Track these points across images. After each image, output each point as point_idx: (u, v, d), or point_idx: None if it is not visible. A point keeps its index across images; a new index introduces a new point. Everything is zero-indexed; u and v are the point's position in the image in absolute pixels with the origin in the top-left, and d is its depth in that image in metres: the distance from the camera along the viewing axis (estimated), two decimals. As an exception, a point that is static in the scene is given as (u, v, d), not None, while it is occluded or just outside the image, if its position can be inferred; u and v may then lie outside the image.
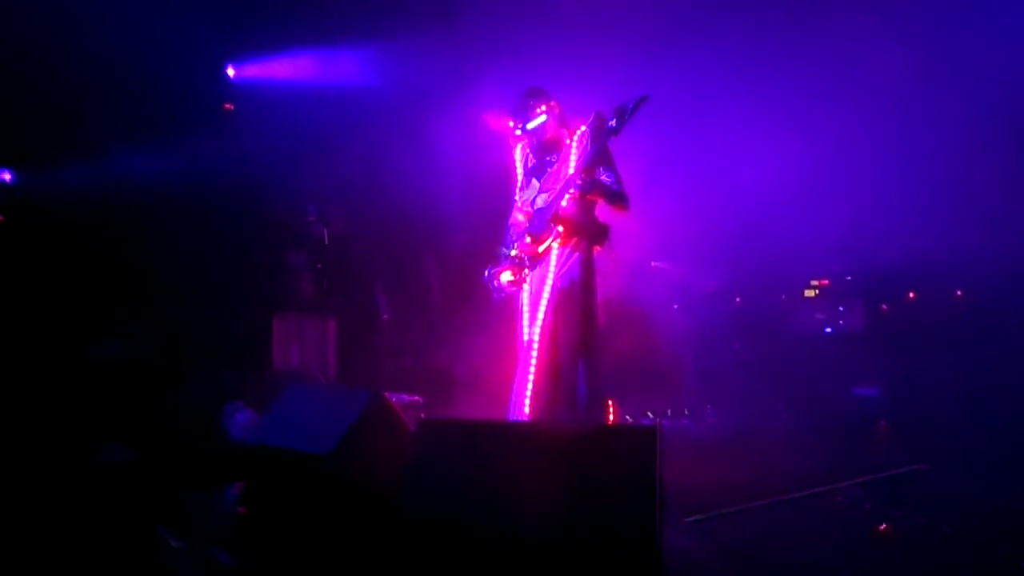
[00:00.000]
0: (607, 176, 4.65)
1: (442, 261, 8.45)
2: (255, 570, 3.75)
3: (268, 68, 8.22)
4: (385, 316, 8.23)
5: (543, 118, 4.71)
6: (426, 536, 3.44)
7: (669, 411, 7.60)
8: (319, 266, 7.98)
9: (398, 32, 7.94)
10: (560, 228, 4.60)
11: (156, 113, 7.07)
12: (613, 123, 4.26)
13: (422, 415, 6.42)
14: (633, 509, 3.20)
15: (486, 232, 5.75)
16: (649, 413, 7.43)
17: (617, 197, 4.66)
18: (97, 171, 6.94)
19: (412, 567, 3.38)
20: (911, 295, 7.72)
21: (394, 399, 6.30)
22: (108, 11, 6.59)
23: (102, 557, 3.74)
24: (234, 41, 7.78)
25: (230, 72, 8.15)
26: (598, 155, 4.54)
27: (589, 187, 4.53)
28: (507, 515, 3.36)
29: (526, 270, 4.75)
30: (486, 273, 4.91)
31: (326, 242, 8.07)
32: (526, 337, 4.69)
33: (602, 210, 4.72)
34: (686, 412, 7.68)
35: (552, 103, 4.75)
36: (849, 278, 7.96)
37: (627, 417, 7.20)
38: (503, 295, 4.85)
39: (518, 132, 4.79)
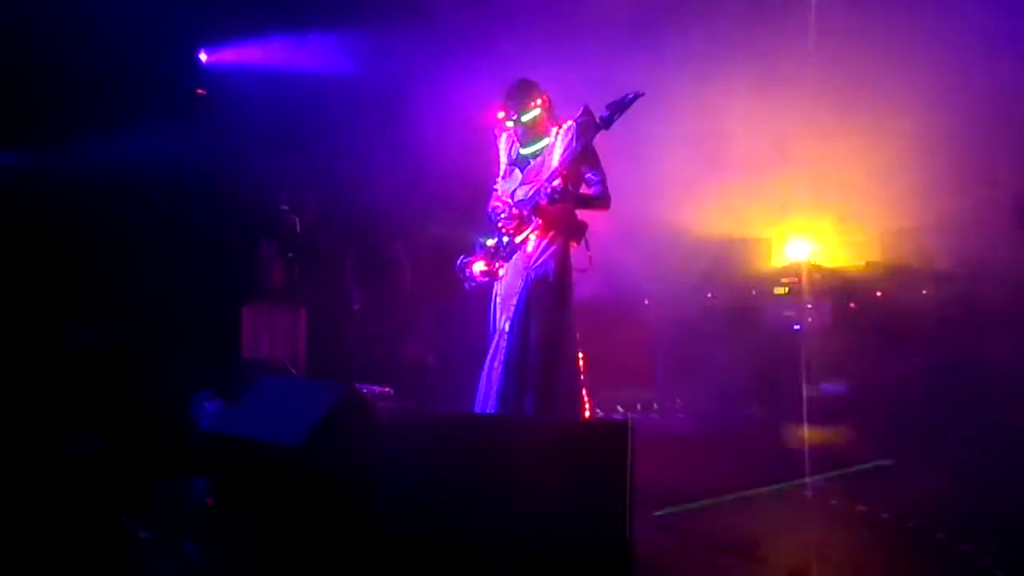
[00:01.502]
0: (592, 174, 4.67)
1: (414, 251, 8.43)
2: (223, 561, 3.73)
3: (241, 53, 8.13)
4: (356, 306, 8.18)
5: (537, 111, 4.72)
6: (396, 530, 3.44)
7: (638, 405, 7.64)
8: (290, 255, 7.93)
9: (373, 19, 7.88)
10: (539, 220, 4.60)
11: (125, 98, 6.96)
12: (606, 114, 4.28)
13: (392, 406, 6.42)
14: (604, 503, 3.22)
15: (460, 222, 5.74)
16: (619, 407, 7.47)
17: (598, 200, 4.69)
18: (65, 157, 6.82)
19: (382, 561, 3.37)
20: (878, 294, 7.80)
21: (364, 390, 6.30)
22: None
23: (69, 547, 3.70)
24: (207, 25, 7.68)
25: (202, 57, 8.05)
26: (584, 151, 4.55)
27: (561, 196, 4.54)
28: (478, 509, 3.37)
29: (499, 262, 4.75)
30: (458, 262, 4.91)
31: (298, 231, 8.01)
32: (497, 329, 4.69)
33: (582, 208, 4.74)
34: (655, 406, 7.73)
35: (544, 96, 4.75)
36: (818, 276, 8.03)
37: (597, 411, 7.24)
38: (475, 285, 4.85)
39: (510, 123, 4.78)
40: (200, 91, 7.89)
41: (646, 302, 8.34)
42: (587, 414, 4.72)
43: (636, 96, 4.26)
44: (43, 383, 5.84)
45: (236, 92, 7.79)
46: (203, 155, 7.03)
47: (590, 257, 4.81)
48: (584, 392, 4.71)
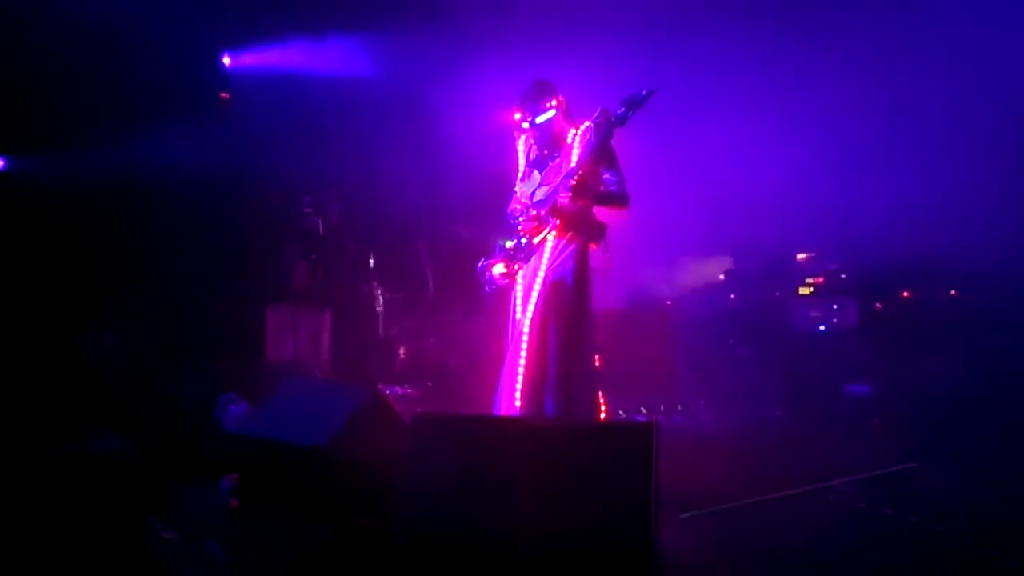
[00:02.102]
0: (609, 175, 4.65)
1: (437, 253, 8.44)
2: (248, 563, 3.74)
3: (264, 57, 8.18)
4: (379, 308, 8.21)
5: (552, 112, 4.69)
6: (420, 531, 3.43)
7: (662, 407, 7.61)
8: (314, 257, 7.96)
9: (394, 22, 7.91)
10: (557, 221, 4.59)
11: (151, 103, 7.03)
12: (621, 111, 4.26)
13: (416, 408, 6.42)
14: (629, 505, 3.20)
15: (481, 224, 5.75)
16: (642, 408, 7.44)
17: (616, 199, 4.67)
18: (92, 159, 6.89)
19: (406, 563, 3.37)
20: (905, 294, 7.73)
21: (388, 391, 6.31)
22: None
23: (94, 548, 3.73)
24: (231, 30, 7.74)
25: (226, 61, 8.10)
26: (601, 151, 4.54)
27: (577, 195, 4.53)
28: (502, 510, 3.36)
29: (518, 264, 4.75)
30: (479, 264, 4.91)
31: (321, 233, 8.05)
32: (517, 329, 4.69)
33: (600, 208, 4.72)
34: (679, 408, 7.69)
35: (560, 97, 4.73)
36: (844, 276, 7.97)
37: (620, 412, 7.23)
38: (495, 287, 4.84)
39: (526, 125, 4.77)
40: (224, 95, 7.94)
41: (669, 303, 8.31)
42: (603, 415, 4.71)
43: (650, 92, 4.22)
44: (69, 385, 5.90)
45: (260, 96, 7.84)
46: (227, 158, 7.08)
47: (610, 258, 4.79)
48: (600, 393, 4.70)
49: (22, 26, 6.39)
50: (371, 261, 8.29)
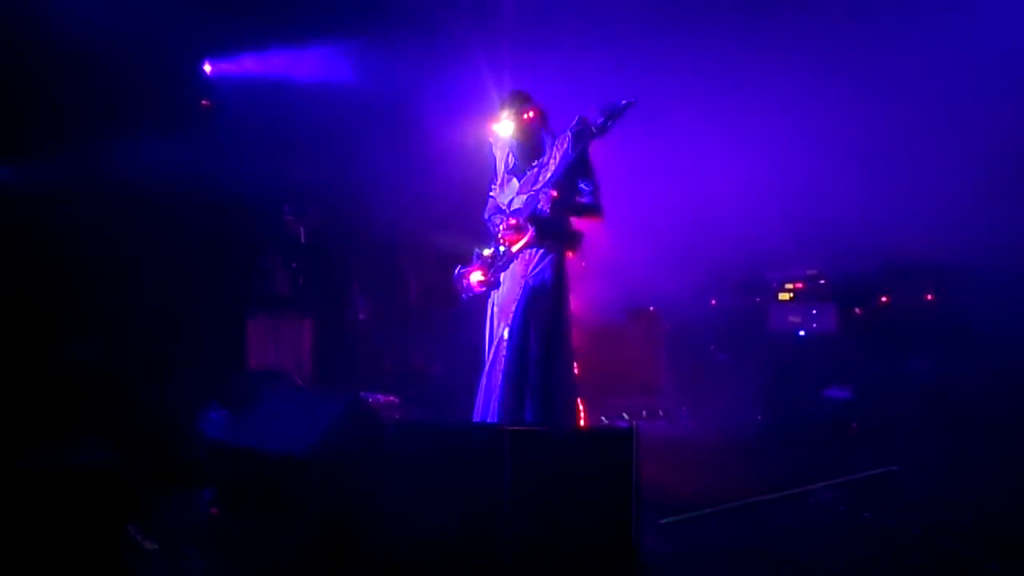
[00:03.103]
0: (585, 185, 4.69)
1: (419, 261, 8.44)
2: (228, 572, 3.73)
3: (245, 64, 8.16)
4: (361, 316, 8.19)
5: (531, 122, 4.74)
6: (401, 539, 3.44)
7: (644, 412, 7.64)
8: (295, 265, 7.93)
9: (376, 30, 7.92)
10: (535, 229, 4.62)
11: (130, 109, 6.99)
12: (600, 121, 4.30)
13: (398, 415, 6.42)
14: (609, 511, 3.23)
15: (463, 232, 5.76)
16: (624, 414, 7.47)
17: (589, 209, 4.71)
18: (70, 166, 6.85)
19: (387, 571, 3.38)
20: (884, 299, 7.80)
21: (370, 399, 6.30)
22: (83, 4, 6.52)
23: (73, 557, 3.71)
24: (211, 37, 7.71)
25: (207, 68, 8.08)
26: (578, 160, 4.58)
27: (559, 201, 4.57)
28: (483, 517, 3.37)
29: (496, 271, 4.77)
30: (455, 272, 4.94)
31: (302, 241, 8.03)
32: (496, 337, 4.71)
33: (575, 218, 4.76)
34: (661, 413, 7.72)
35: (538, 107, 4.78)
36: (823, 281, 8.03)
37: (602, 418, 7.25)
38: (471, 295, 4.87)
39: (505, 134, 4.81)
40: (205, 102, 7.91)
41: (651, 309, 8.34)
42: (581, 422, 4.74)
43: (629, 103, 4.26)
44: (48, 392, 5.85)
45: (240, 103, 7.82)
46: (208, 165, 7.04)
47: (584, 265, 4.84)
48: (579, 400, 4.74)
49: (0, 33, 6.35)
50: (353, 269, 8.28)
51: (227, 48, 7.98)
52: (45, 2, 6.43)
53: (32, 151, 6.85)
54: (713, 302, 8.48)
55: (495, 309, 4.76)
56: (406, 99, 7.93)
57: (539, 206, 4.58)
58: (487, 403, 4.61)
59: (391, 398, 6.76)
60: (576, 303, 4.80)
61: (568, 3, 7.82)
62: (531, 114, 4.75)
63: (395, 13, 7.80)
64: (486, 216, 4.98)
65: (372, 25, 7.88)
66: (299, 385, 6.85)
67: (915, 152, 7.38)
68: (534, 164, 4.79)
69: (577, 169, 4.62)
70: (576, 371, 4.77)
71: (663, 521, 4.26)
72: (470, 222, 5.41)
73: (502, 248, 4.73)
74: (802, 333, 7.90)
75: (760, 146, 7.83)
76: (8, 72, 6.44)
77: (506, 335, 4.59)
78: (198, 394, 5.88)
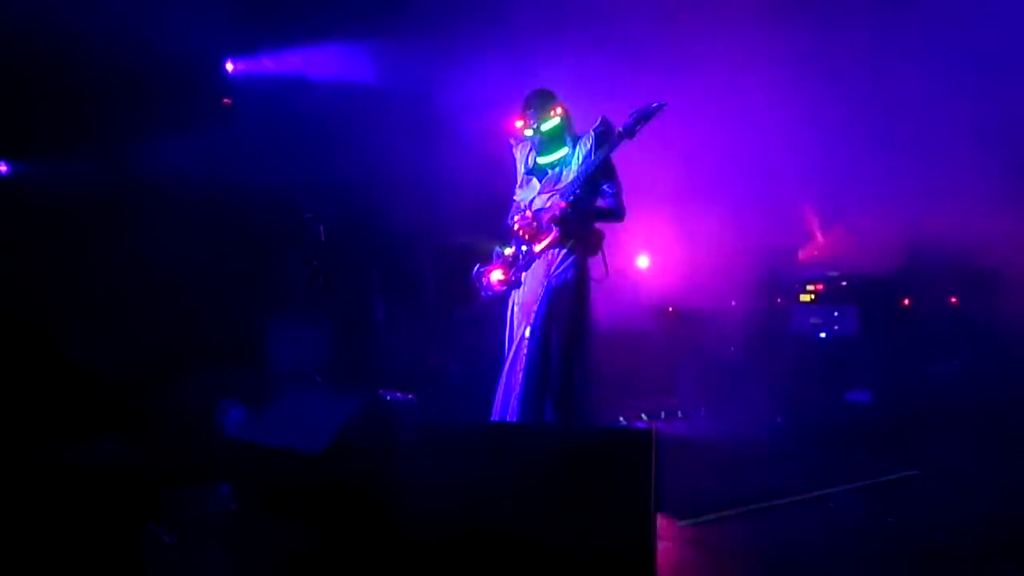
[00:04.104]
0: (607, 186, 4.67)
1: (438, 260, 8.44)
2: (247, 568, 3.74)
3: (267, 63, 8.19)
4: (380, 315, 8.21)
5: (556, 121, 4.73)
6: (418, 537, 3.44)
7: (663, 413, 7.61)
8: (315, 264, 7.95)
9: (397, 30, 7.93)
10: (558, 229, 4.61)
11: (152, 107, 7.03)
12: (628, 123, 4.30)
13: (416, 414, 6.42)
14: (627, 511, 3.21)
15: (482, 230, 5.75)
16: (643, 415, 7.45)
17: (611, 212, 4.69)
18: (93, 165, 6.91)
19: (403, 569, 3.38)
20: (905, 301, 7.73)
21: (388, 398, 6.31)
22: (106, 4, 6.57)
23: (94, 553, 3.73)
24: (233, 36, 7.75)
25: (228, 67, 8.12)
26: (602, 162, 4.56)
27: (584, 205, 4.56)
28: (501, 516, 3.36)
29: (517, 270, 4.76)
30: (475, 270, 4.93)
31: (322, 240, 8.04)
32: (516, 336, 4.70)
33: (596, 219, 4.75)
34: (680, 415, 7.69)
35: (563, 106, 4.77)
36: (844, 283, 7.97)
37: (621, 419, 7.23)
38: (491, 293, 4.87)
39: (529, 132, 4.79)
40: (226, 101, 7.95)
41: (671, 309, 8.31)
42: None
43: (660, 106, 4.27)
44: (69, 390, 5.90)
45: (262, 101, 7.85)
46: (229, 164, 7.08)
47: (606, 267, 4.82)
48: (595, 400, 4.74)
49: (23, 31, 6.40)
50: (372, 268, 8.30)
51: (249, 47, 8.02)
52: (68, 4, 6.48)
53: (54, 149, 6.91)
54: (733, 303, 8.43)
55: (515, 308, 4.75)
56: (426, 97, 7.93)
57: (564, 207, 4.56)
58: (506, 402, 4.60)
59: (409, 396, 6.76)
60: (596, 303, 4.78)
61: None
62: (557, 111, 4.74)
63: (414, 10, 7.80)
64: (508, 216, 4.95)
65: (392, 23, 7.89)
66: (318, 383, 6.88)
67: (940, 155, 7.31)
68: (556, 163, 4.77)
69: (600, 171, 4.60)
70: (596, 372, 4.76)
71: (682, 523, 4.23)
72: (489, 221, 5.40)
73: (524, 247, 4.72)
74: (823, 335, 7.85)
75: (783, 147, 7.78)
76: (31, 72, 6.50)
77: (527, 334, 4.57)
78: (217, 392, 5.90)
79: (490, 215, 5.37)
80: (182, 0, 6.94)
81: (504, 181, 5.18)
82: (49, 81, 6.61)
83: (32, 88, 6.61)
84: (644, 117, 4.29)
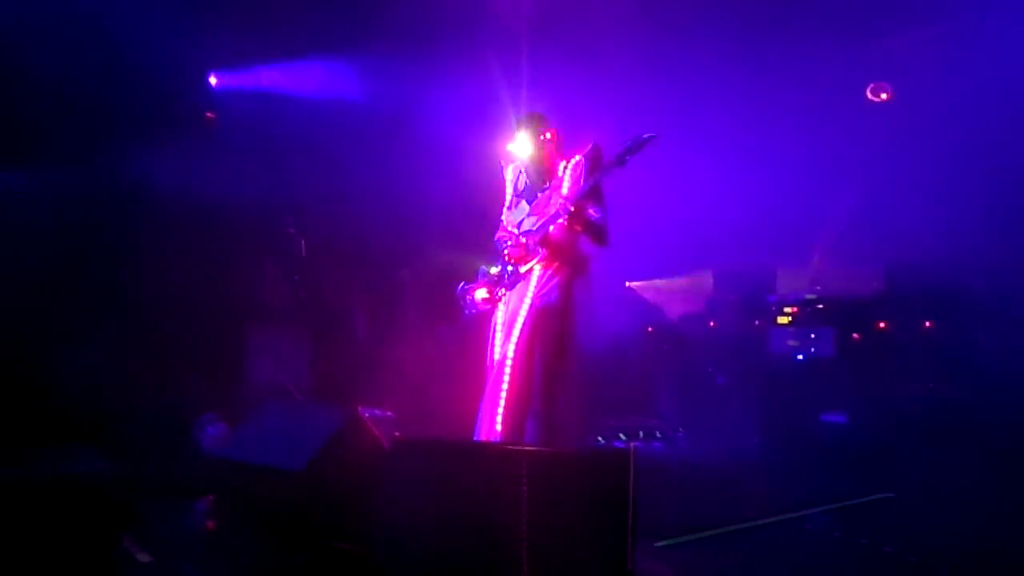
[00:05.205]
0: (595, 210, 4.68)
1: (419, 276, 8.45)
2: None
3: (250, 78, 8.19)
4: (361, 330, 8.19)
5: (548, 144, 4.75)
6: (397, 556, 3.43)
7: (641, 433, 7.63)
8: (296, 278, 7.94)
9: (381, 46, 7.96)
10: (545, 251, 4.63)
11: (136, 120, 7.02)
12: (619, 152, 4.31)
13: (395, 431, 6.39)
14: (605, 532, 3.22)
15: (464, 248, 5.77)
16: (621, 435, 7.46)
17: (597, 238, 4.71)
18: (76, 176, 6.88)
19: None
20: (881, 324, 7.80)
21: (367, 414, 6.28)
22: (88, 16, 6.57)
23: (67, 570, 3.69)
24: (217, 50, 7.75)
25: (212, 81, 8.12)
26: (592, 188, 4.58)
27: (577, 219, 4.58)
28: (479, 536, 3.36)
29: (502, 290, 4.77)
30: (459, 287, 4.93)
31: (303, 254, 8.03)
32: (498, 355, 4.70)
33: (584, 242, 4.76)
34: (658, 435, 7.71)
35: (553, 130, 4.79)
36: (821, 306, 8.04)
37: (600, 439, 7.24)
38: (475, 311, 4.87)
39: (519, 155, 4.82)
40: (209, 114, 7.95)
41: (649, 329, 8.35)
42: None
43: (651, 137, 4.27)
44: (45, 403, 5.85)
45: (245, 115, 7.85)
46: (211, 177, 7.07)
47: (590, 290, 4.84)
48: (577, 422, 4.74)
49: (6, 44, 6.38)
50: (353, 283, 8.28)
51: (232, 61, 8.02)
52: (51, 17, 6.47)
53: (37, 160, 6.88)
54: (712, 324, 8.49)
55: (498, 327, 4.76)
56: (410, 114, 7.96)
57: (552, 229, 4.58)
58: (488, 421, 4.60)
59: (388, 414, 6.74)
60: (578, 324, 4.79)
61: (576, 16, 7.85)
62: (548, 136, 4.76)
63: (398, 28, 7.84)
64: (496, 237, 4.96)
65: (375, 40, 7.93)
66: (297, 399, 6.85)
67: (917, 178, 7.41)
68: (546, 186, 4.79)
69: (589, 196, 4.62)
70: (577, 393, 4.77)
71: (659, 544, 4.25)
72: (471, 238, 5.42)
73: (510, 268, 4.74)
74: (800, 357, 7.91)
75: (762, 168, 7.86)
76: (15, 83, 6.48)
77: (510, 354, 4.58)
78: (196, 406, 5.87)
79: (473, 232, 5.38)
80: (166, 14, 6.94)
81: (489, 198, 5.20)
82: (31, 93, 6.59)
83: (13, 99, 6.58)
84: (636, 147, 4.30)
